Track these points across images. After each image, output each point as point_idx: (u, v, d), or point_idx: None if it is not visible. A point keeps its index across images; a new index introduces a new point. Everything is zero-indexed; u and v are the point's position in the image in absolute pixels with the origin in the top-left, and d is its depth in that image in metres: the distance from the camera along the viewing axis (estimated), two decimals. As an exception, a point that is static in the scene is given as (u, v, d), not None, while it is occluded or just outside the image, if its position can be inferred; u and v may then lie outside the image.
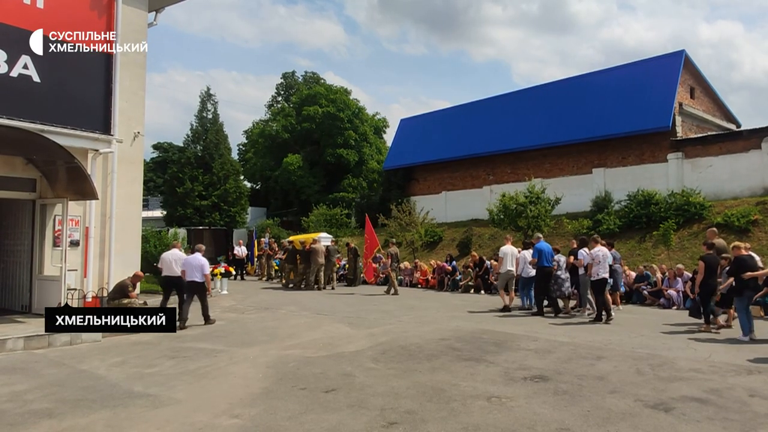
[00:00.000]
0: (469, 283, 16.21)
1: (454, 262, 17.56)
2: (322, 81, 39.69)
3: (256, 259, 22.90)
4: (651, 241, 16.72)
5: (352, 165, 34.03)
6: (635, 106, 19.69)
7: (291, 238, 20.07)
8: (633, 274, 13.74)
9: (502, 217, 17.92)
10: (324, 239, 18.45)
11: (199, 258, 10.19)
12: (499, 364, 6.75)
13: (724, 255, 9.71)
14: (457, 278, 16.78)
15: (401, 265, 18.97)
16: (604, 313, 10.21)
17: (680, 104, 19.59)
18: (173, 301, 10.55)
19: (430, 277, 17.95)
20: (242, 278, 20.99)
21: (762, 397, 5.34)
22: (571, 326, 9.87)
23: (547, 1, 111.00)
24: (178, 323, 9.49)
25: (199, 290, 10.16)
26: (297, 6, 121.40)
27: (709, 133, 19.62)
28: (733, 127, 22.40)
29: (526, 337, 8.65)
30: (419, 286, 17.99)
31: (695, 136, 19.55)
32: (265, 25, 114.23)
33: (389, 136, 36.87)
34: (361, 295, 15.37)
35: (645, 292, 13.08)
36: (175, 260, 10.40)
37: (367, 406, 5.08)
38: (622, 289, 13.23)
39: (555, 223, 18.69)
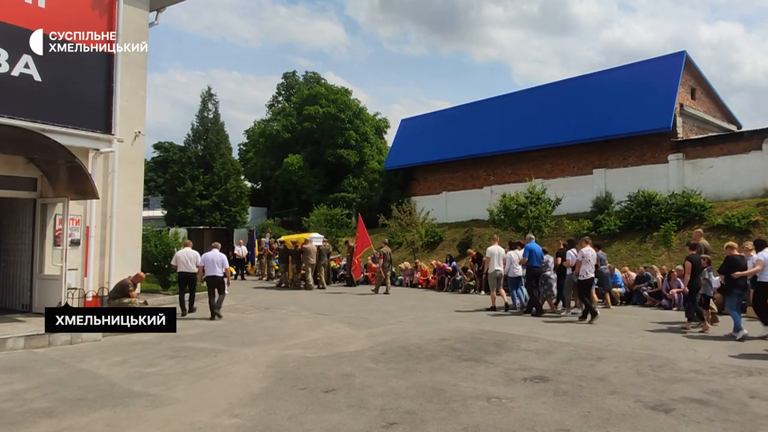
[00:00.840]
0: (469, 282, 16.23)
1: (454, 263, 17.57)
2: (323, 81, 39.67)
3: (256, 259, 22.91)
4: (651, 242, 16.70)
5: (353, 165, 34.01)
6: (636, 107, 19.66)
7: (282, 238, 20.05)
8: (633, 275, 13.75)
9: (502, 217, 17.93)
10: (315, 239, 18.44)
11: (218, 254, 11.12)
12: (499, 364, 6.75)
13: (703, 255, 9.91)
14: (458, 278, 16.79)
15: (402, 266, 19.02)
16: (589, 312, 10.33)
17: (681, 105, 19.57)
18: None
19: (430, 278, 17.95)
20: (242, 278, 21.01)
21: (762, 398, 5.34)
22: (571, 327, 9.87)
23: (547, 2, 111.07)
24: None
25: (219, 284, 10.93)
26: (297, 6, 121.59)
27: (710, 134, 19.60)
28: (733, 128, 22.38)
29: (527, 337, 8.65)
30: (419, 286, 17.99)
31: (696, 137, 19.53)
32: (265, 25, 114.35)
33: (390, 137, 36.87)
34: (361, 295, 15.37)
35: (645, 293, 13.08)
36: (190, 258, 11.13)
37: (367, 407, 5.08)
38: (623, 290, 13.30)
39: (555, 224, 18.67)
